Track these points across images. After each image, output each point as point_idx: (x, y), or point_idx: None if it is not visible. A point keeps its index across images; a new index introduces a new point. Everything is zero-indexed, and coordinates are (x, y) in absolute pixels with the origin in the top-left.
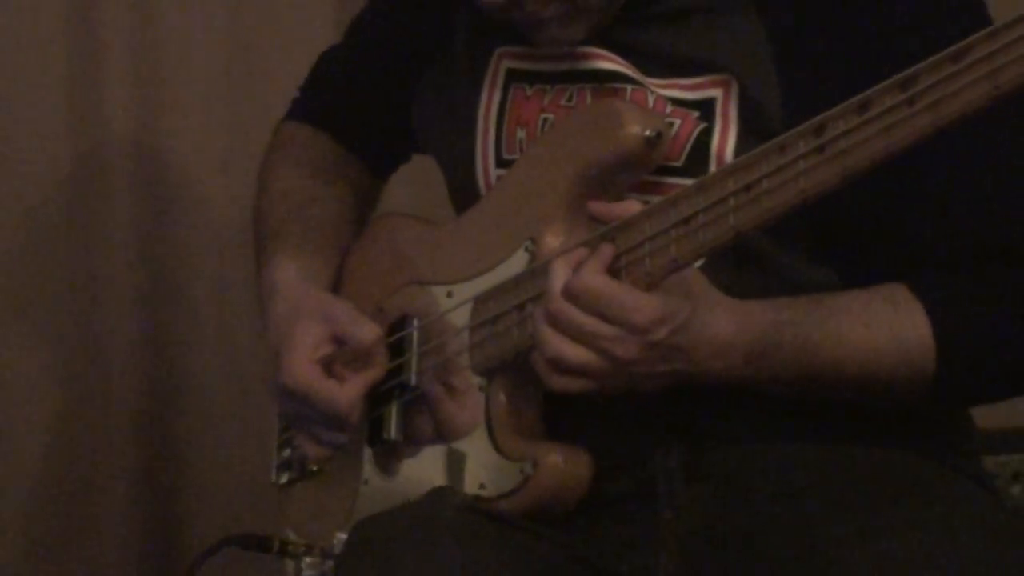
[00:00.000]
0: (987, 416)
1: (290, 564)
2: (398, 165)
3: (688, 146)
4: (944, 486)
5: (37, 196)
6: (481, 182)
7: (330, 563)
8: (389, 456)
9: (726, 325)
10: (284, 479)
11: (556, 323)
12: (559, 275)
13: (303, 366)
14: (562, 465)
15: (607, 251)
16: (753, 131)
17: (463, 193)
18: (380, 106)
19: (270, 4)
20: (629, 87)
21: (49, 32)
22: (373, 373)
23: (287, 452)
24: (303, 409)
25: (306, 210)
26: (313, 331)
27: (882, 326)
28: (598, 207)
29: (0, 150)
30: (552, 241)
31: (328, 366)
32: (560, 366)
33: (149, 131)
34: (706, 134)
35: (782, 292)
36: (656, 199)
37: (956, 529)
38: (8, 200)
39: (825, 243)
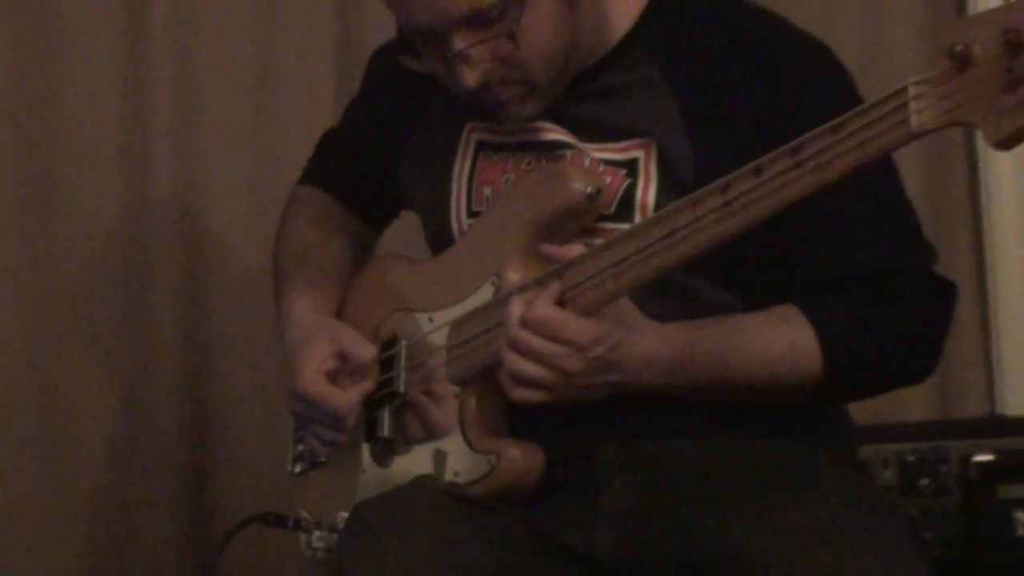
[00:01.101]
0: (863, 413)
1: (303, 537)
2: (391, 219)
3: (617, 197)
4: (828, 471)
5: (95, 238)
6: (455, 229)
7: (335, 536)
8: (383, 451)
9: (651, 343)
10: (298, 468)
11: (515, 346)
12: (516, 309)
13: (312, 377)
14: (521, 457)
15: (554, 287)
16: (670, 185)
17: (439, 238)
18: (371, 172)
19: (285, 94)
20: (569, 152)
21: (104, 101)
22: (368, 384)
23: (300, 447)
24: (311, 412)
25: (314, 254)
26: (321, 349)
27: (777, 339)
28: (549, 250)
29: (66, 201)
30: (513, 276)
31: (333, 378)
32: (519, 380)
33: (188, 187)
34: (631, 188)
35: (696, 314)
36: (593, 240)
37: (839, 505)
38: (71, 242)
39: (729, 273)
